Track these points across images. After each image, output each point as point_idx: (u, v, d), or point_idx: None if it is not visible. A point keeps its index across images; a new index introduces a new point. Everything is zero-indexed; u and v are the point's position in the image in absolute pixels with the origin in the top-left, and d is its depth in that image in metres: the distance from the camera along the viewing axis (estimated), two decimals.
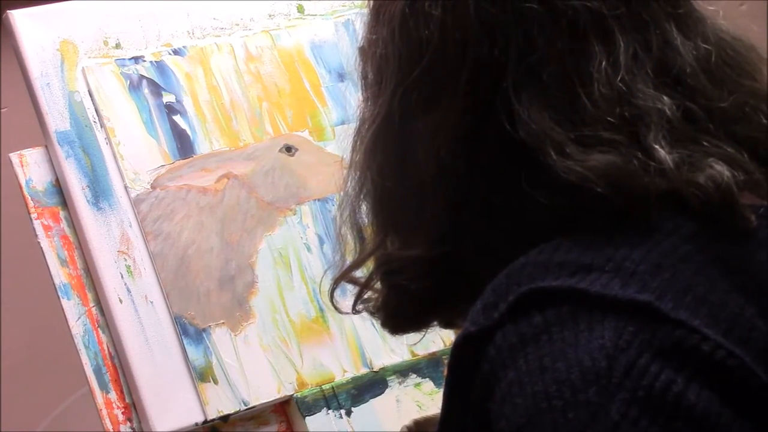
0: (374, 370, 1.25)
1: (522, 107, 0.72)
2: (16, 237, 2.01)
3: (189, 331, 1.19)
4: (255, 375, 1.20)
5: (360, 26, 0.83)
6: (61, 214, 1.22)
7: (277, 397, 1.21)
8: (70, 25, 1.25)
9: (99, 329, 1.19)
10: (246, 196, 1.25)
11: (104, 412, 1.17)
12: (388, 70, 0.78)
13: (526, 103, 0.72)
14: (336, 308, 0.93)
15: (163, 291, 1.19)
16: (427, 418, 1.04)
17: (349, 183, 0.85)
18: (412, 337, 0.89)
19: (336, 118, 1.31)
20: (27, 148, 1.24)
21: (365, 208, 0.84)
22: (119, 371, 1.18)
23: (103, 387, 1.18)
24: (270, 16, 1.34)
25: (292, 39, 1.33)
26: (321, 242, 1.27)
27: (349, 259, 0.88)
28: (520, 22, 0.73)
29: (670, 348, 0.62)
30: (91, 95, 1.23)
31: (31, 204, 1.22)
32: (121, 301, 1.18)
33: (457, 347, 0.70)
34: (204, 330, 1.19)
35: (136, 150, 1.23)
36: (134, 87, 1.25)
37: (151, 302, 1.19)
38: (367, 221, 0.85)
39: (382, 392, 1.25)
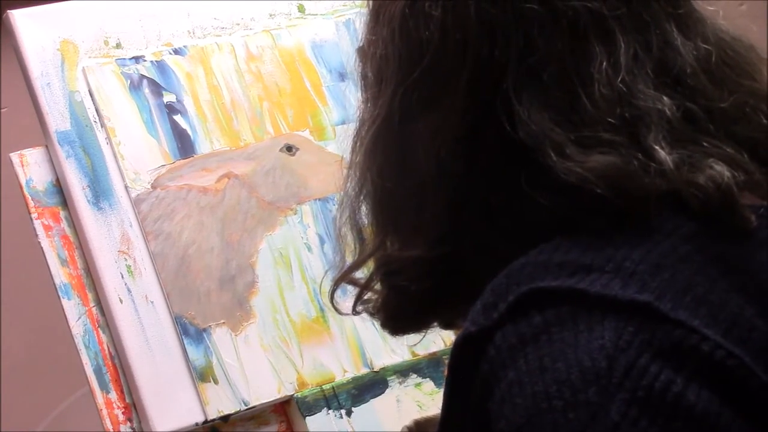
0: (375, 370, 1.25)
1: (522, 108, 0.72)
2: (16, 237, 2.01)
3: (189, 331, 1.19)
4: (255, 375, 1.20)
5: (360, 26, 0.83)
6: (62, 214, 1.22)
7: (278, 397, 1.21)
8: (71, 24, 1.25)
9: (99, 329, 1.19)
10: (246, 195, 1.25)
11: (104, 412, 1.17)
12: (388, 70, 0.78)
13: (526, 103, 0.72)
14: (336, 309, 0.93)
15: (163, 291, 1.19)
16: (427, 419, 1.04)
17: (348, 184, 0.85)
18: (412, 337, 0.89)
19: (337, 118, 1.31)
20: (27, 148, 1.24)
21: (365, 209, 0.84)
22: (119, 371, 1.18)
23: (104, 387, 1.18)
24: (271, 15, 1.34)
25: (292, 38, 1.33)
26: (322, 242, 1.27)
27: (349, 260, 0.88)
28: (520, 23, 0.73)
29: (669, 348, 0.62)
30: (91, 95, 1.23)
31: (31, 204, 1.22)
32: (121, 301, 1.18)
33: (457, 347, 0.70)
34: (204, 330, 1.19)
35: (136, 150, 1.23)
36: (135, 87, 1.25)
37: (152, 302, 1.19)
38: (367, 222, 0.85)
39: (383, 392, 1.25)
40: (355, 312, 0.88)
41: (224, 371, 1.19)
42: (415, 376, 1.26)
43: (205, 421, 1.18)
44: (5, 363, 2.15)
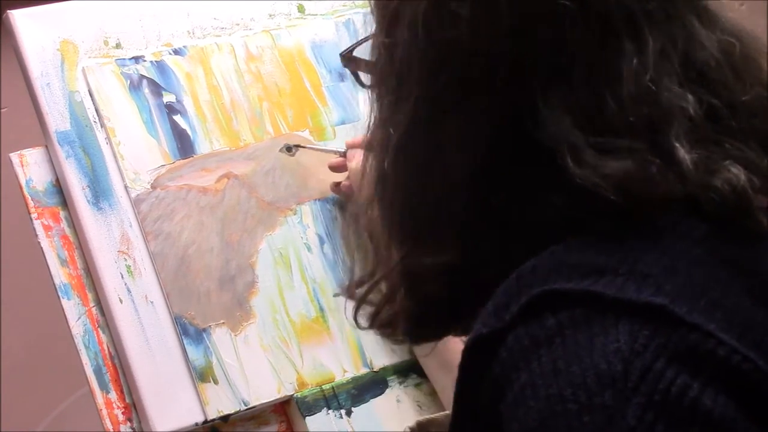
0: (374, 370, 1.25)
1: (547, 108, 0.71)
2: (16, 237, 2.01)
3: (189, 331, 1.19)
4: (255, 375, 1.20)
5: (364, 27, 0.82)
6: (61, 214, 1.22)
7: (278, 397, 1.21)
8: (71, 25, 1.25)
9: (99, 329, 1.19)
10: (246, 195, 1.25)
11: (104, 412, 1.17)
12: (411, 74, 0.75)
13: (551, 104, 0.71)
14: (358, 325, 0.88)
15: (163, 291, 1.19)
16: (429, 419, 1.04)
17: (369, 192, 0.82)
18: None
19: (336, 118, 1.31)
20: (27, 148, 1.24)
21: (386, 217, 0.81)
22: (119, 371, 1.18)
23: (103, 387, 1.18)
24: (270, 15, 1.34)
25: (292, 39, 1.33)
26: (321, 242, 1.27)
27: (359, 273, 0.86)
28: (551, 19, 0.71)
29: (685, 352, 0.62)
30: (91, 95, 1.23)
31: (31, 204, 1.22)
32: (121, 301, 1.18)
33: (468, 349, 0.69)
34: (204, 330, 1.19)
35: (136, 150, 1.23)
36: (134, 87, 1.25)
37: (152, 302, 1.19)
38: (388, 231, 0.82)
39: (383, 392, 1.25)
40: (370, 327, 0.85)
41: (224, 371, 1.19)
42: (415, 376, 1.26)
43: (205, 421, 1.18)
44: (5, 363, 2.15)
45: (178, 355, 1.18)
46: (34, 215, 1.21)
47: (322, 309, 1.24)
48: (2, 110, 2.14)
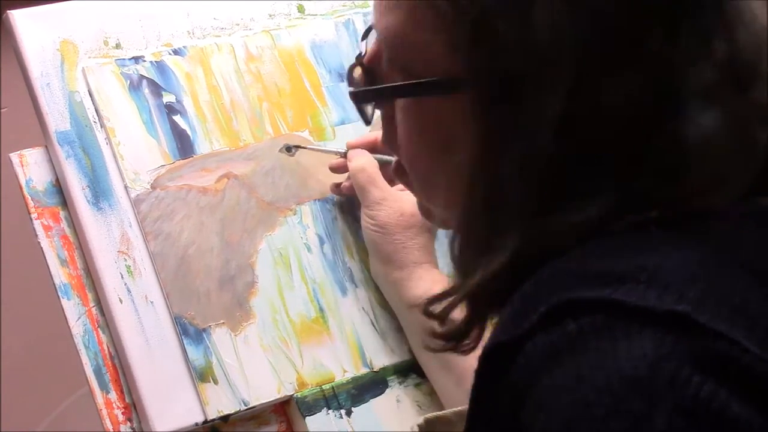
0: (374, 370, 1.25)
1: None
2: (16, 237, 2.01)
3: (189, 331, 1.19)
4: (255, 375, 1.20)
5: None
6: (61, 214, 1.22)
7: (277, 397, 1.21)
8: (70, 25, 1.25)
9: (99, 329, 1.19)
10: (246, 196, 1.25)
11: (104, 412, 1.17)
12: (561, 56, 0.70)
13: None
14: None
15: (163, 291, 1.19)
16: (438, 416, 1.03)
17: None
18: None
19: (336, 118, 1.31)
20: (27, 148, 1.24)
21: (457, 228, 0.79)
22: (119, 371, 1.18)
23: (103, 387, 1.18)
24: (270, 15, 1.34)
25: (292, 39, 1.33)
26: (321, 242, 1.27)
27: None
28: None
29: (710, 360, 0.61)
30: (91, 95, 1.23)
31: (31, 204, 1.21)
32: (121, 301, 1.18)
33: (486, 356, 0.69)
34: (204, 330, 1.19)
35: (136, 150, 1.23)
36: (134, 87, 1.25)
37: (151, 302, 1.19)
38: (459, 243, 0.78)
39: (383, 392, 1.25)
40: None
41: (224, 371, 1.19)
42: (415, 376, 1.26)
43: (205, 421, 1.18)
44: (5, 363, 2.15)
45: (178, 355, 1.18)
46: (34, 215, 1.21)
47: (321, 309, 1.24)
48: (2, 110, 2.14)
